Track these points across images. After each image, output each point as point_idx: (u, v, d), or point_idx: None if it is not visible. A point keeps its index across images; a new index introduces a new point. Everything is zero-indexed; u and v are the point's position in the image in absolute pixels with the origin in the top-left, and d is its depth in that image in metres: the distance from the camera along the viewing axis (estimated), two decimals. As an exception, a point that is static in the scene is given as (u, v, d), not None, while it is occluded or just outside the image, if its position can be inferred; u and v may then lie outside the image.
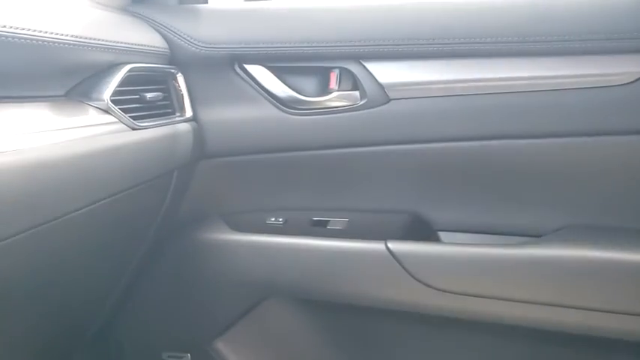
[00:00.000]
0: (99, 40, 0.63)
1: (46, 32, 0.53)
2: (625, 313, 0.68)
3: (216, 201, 0.89)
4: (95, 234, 0.68)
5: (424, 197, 0.82)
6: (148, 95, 0.72)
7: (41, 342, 0.79)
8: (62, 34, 0.56)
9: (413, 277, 0.75)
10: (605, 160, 0.74)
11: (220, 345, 0.92)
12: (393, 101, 0.77)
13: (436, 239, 0.82)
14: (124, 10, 0.81)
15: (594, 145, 0.73)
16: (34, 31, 0.51)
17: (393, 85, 0.77)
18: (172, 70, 0.80)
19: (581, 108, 0.72)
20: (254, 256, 0.86)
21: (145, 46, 0.74)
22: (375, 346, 0.92)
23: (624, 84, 0.69)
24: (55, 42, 0.55)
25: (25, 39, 0.50)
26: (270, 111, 0.81)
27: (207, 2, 0.96)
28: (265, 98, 0.81)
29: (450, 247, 0.78)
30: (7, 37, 0.47)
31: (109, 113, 0.62)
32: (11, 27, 0.48)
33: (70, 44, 0.57)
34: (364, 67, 0.77)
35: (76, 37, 0.59)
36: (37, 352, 0.79)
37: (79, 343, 0.92)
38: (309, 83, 0.82)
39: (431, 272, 0.76)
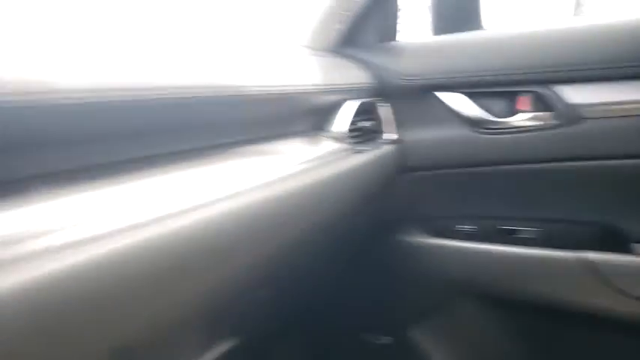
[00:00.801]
0: (332, 85, 0.82)
1: (296, 85, 0.72)
2: None
3: (414, 208, 1.03)
4: (323, 239, 0.86)
5: (618, 210, 0.85)
6: (365, 123, 0.89)
7: (255, 318, 0.93)
8: (307, 85, 0.75)
9: (610, 286, 0.80)
10: None
11: (416, 332, 1.06)
12: (584, 120, 0.82)
13: (631, 251, 0.85)
14: (335, 52, 0.99)
15: None
16: (288, 86, 0.70)
17: (585, 106, 0.82)
18: (380, 101, 0.96)
19: None
20: (447, 257, 0.98)
21: (362, 83, 0.91)
22: (562, 351, 0.96)
23: None
24: (302, 92, 0.74)
25: (282, 93, 0.68)
26: (463, 131, 0.93)
27: (395, 39, 1.10)
28: (460, 120, 0.93)
29: None
30: (265, 93, 0.64)
31: (344, 142, 0.80)
32: (267, 86, 0.65)
33: (312, 92, 0.76)
34: (555, 90, 0.84)
35: (316, 85, 0.77)
36: (249, 325, 0.92)
37: (289, 321, 1.12)
38: (501, 105, 0.91)
39: (630, 281, 0.79)
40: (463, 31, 1.02)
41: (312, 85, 0.77)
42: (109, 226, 0.40)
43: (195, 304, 0.53)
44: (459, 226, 0.98)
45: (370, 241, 1.05)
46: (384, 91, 0.97)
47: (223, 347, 0.74)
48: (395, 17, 1.06)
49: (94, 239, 0.38)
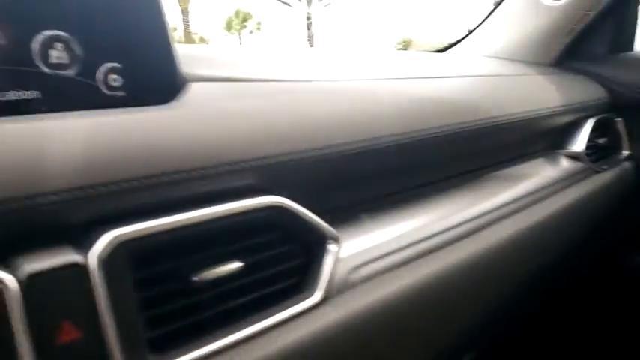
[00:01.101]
0: (570, 104, 0.81)
1: (540, 109, 0.73)
2: None
3: None
4: (561, 258, 0.84)
5: None
6: (600, 140, 0.86)
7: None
8: (549, 107, 0.75)
9: None
10: None
11: None
12: None
13: None
14: (561, 66, 0.96)
15: None
16: (534, 110, 0.71)
17: None
18: (614, 115, 0.92)
19: None
20: None
21: (595, 99, 0.88)
22: None
23: None
24: (545, 115, 0.74)
25: (528, 118, 0.70)
26: None
27: (632, 50, 1.03)
28: None
29: None
30: (506, 121, 0.66)
31: (583, 161, 0.79)
32: (516, 113, 0.67)
33: (554, 113, 0.77)
34: None
35: (557, 106, 0.77)
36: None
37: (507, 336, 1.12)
38: None
39: None
40: None
41: (554, 107, 0.77)
42: (429, 245, 0.48)
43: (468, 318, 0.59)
44: None
45: (598, 261, 1.00)
46: (616, 105, 0.92)
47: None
48: (633, 27, 1.00)
49: (421, 258, 0.46)
